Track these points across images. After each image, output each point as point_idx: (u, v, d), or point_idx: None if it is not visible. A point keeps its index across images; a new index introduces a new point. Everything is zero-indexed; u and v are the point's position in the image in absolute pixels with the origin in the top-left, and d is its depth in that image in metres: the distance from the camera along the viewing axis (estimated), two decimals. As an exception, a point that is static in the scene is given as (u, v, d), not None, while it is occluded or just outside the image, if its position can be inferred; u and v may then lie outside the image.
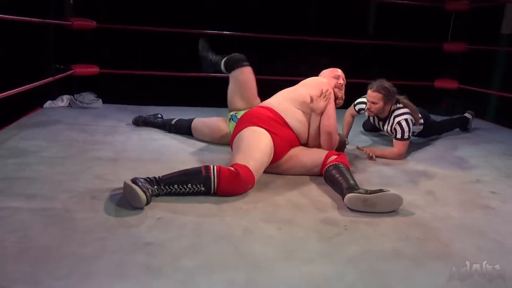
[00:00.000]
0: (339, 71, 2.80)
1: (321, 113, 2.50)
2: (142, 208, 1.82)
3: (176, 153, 2.72)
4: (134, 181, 1.87)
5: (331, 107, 2.53)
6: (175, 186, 1.96)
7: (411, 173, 2.64)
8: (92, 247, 1.50)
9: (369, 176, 2.53)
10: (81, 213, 1.76)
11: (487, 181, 2.57)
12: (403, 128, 2.86)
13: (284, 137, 2.41)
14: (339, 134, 2.83)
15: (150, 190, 1.88)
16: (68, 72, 3.77)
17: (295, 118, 2.50)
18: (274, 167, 2.42)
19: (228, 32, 4.37)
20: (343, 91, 2.76)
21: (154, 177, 1.96)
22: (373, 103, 2.87)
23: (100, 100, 4.01)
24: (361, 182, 2.36)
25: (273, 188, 2.23)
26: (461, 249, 1.69)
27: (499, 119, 4.43)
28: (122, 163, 2.45)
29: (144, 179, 1.91)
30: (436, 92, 4.74)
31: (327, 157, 2.36)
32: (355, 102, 3.18)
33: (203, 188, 1.98)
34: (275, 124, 2.41)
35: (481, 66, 4.54)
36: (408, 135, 2.88)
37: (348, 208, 1.97)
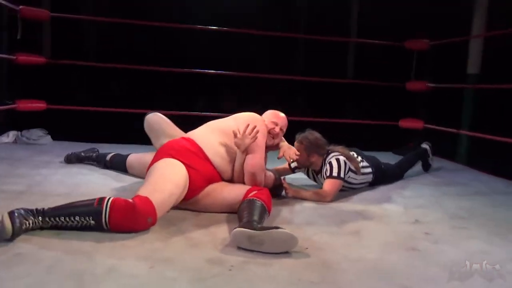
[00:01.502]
0: (280, 119, 2.56)
1: (246, 151, 2.30)
2: (11, 241, 1.65)
3: (95, 189, 2.53)
4: (11, 211, 1.71)
5: (258, 145, 2.31)
6: (61, 218, 1.79)
7: (345, 212, 2.43)
8: None
9: (294, 215, 2.32)
10: None
11: (427, 221, 2.34)
12: (332, 166, 2.64)
13: (203, 172, 2.22)
14: (274, 174, 2.62)
15: (29, 222, 1.73)
16: (8, 107, 3.68)
17: (217, 152, 2.31)
18: (191, 204, 2.23)
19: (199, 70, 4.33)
20: (277, 140, 2.56)
21: (42, 209, 1.80)
22: (297, 154, 2.64)
23: (49, 136, 3.89)
24: (280, 222, 2.15)
25: (179, 226, 2.02)
26: (356, 295, 1.46)
27: (471, 160, 4.21)
28: (26, 197, 2.28)
29: (26, 210, 1.76)
30: (403, 133, 4.57)
31: (247, 192, 2.17)
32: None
33: (92, 222, 1.79)
34: (194, 158, 2.23)
35: (448, 105, 4.37)
36: (338, 173, 2.62)
37: (238, 246, 1.75)
